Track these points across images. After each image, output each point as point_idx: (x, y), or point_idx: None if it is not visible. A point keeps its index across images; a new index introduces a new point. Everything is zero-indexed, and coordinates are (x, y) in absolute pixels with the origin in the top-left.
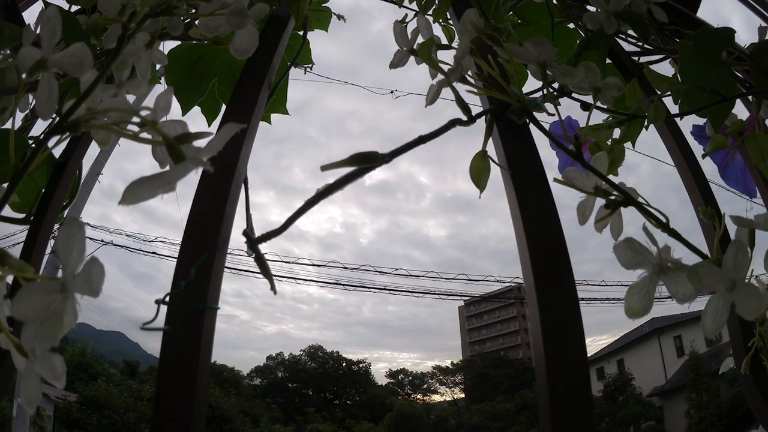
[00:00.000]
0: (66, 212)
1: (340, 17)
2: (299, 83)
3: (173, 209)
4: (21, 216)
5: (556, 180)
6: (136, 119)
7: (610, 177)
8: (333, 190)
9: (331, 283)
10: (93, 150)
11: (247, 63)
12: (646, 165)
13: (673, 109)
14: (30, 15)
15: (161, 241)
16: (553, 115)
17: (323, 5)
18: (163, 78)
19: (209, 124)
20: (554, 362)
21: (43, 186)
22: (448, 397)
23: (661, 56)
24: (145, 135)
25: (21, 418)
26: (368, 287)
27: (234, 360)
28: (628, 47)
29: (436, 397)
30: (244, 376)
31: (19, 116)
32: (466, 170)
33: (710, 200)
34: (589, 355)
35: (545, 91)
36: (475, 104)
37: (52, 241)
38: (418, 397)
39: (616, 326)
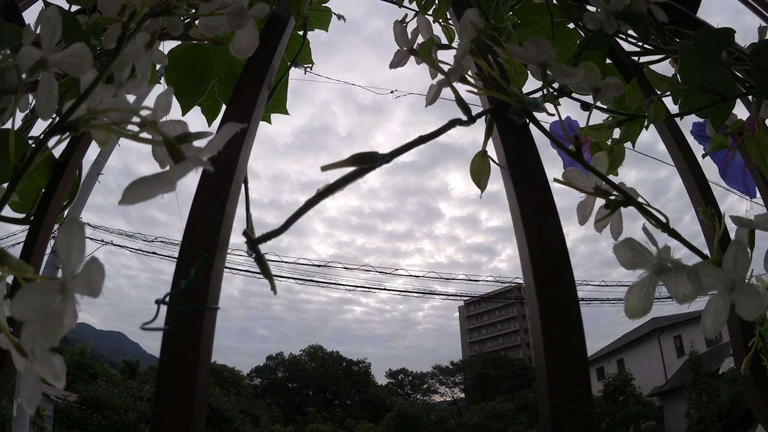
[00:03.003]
0: (66, 212)
1: (340, 17)
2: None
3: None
4: (21, 216)
5: (556, 180)
6: (136, 119)
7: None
8: (333, 191)
9: (331, 283)
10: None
11: (247, 63)
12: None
13: (673, 109)
14: (30, 15)
15: (161, 241)
16: (553, 115)
17: (323, 5)
18: (163, 78)
19: (209, 124)
20: (554, 362)
21: (43, 186)
22: (448, 397)
23: (661, 56)
24: (145, 135)
25: (21, 418)
26: (368, 287)
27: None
28: (628, 47)
29: (436, 397)
30: (244, 376)
31: (19, 116)
32: None
33: (710, 200)
34: (588, 354)
35: (545, 91)
36: (475, 104)
37: (52, 241)
38: (418, 397)
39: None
